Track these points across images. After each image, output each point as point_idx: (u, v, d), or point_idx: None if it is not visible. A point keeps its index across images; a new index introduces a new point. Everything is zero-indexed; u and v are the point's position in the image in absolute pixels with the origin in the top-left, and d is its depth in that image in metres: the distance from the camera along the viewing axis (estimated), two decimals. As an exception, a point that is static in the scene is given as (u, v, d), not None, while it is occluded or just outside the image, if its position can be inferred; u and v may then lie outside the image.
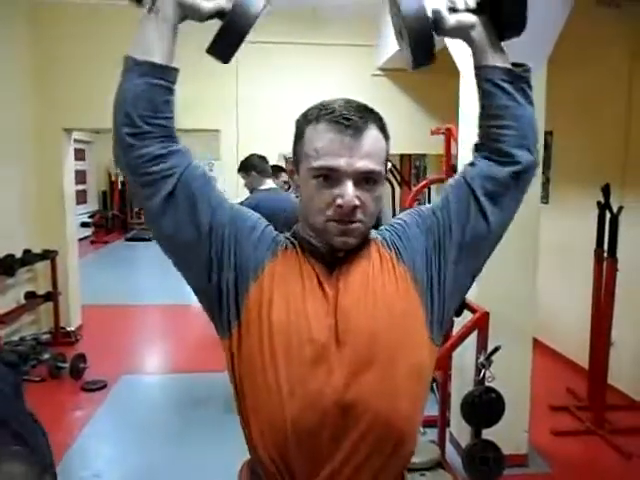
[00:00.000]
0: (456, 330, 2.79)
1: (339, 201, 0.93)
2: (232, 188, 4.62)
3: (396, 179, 6.93)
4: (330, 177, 0.94)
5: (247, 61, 4.93)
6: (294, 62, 5.31)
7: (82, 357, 4.26)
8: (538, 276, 3.06)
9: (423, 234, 1.03)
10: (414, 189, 4.50)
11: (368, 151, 0.94)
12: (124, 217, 13.55)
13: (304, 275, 0.98)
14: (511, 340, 2.84)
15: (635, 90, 3.84)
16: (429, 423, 2.95)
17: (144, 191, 0.96)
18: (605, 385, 3.50)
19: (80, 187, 11.26)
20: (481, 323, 2.66)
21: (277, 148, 5.01)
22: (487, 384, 2.51)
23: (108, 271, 9.09)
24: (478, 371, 2.54)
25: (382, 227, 1.09)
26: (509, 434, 2.81)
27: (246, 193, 3.78)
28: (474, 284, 1.08)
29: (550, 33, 2.63)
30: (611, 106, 4.07)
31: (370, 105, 1.00)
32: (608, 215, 3.45)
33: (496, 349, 2.52)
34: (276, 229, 1.07)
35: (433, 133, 4.14)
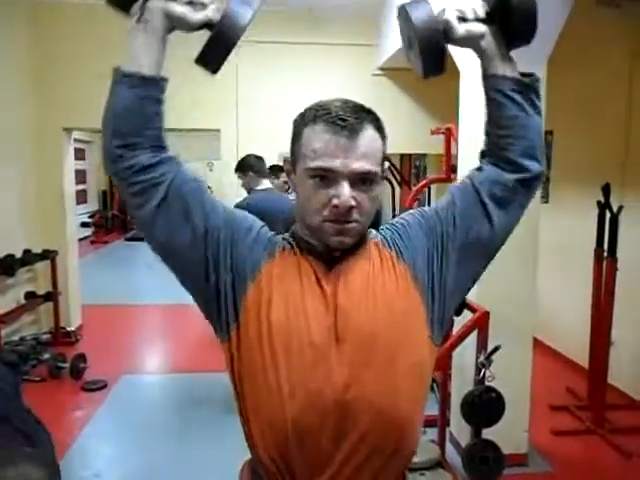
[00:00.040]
0: (456, 329, 2.79)
1: (335, 201, 0.93)
2: (232, 188, 4.63)
3: (396, 179, 6.93)
4: (326, 177, 0.94)
5: (247, 61, 4.94)
6: (294, 62, 5.31)
7: (82, 357, 4.26)
8: (538, 275, 3.06)
9: (425, 234, 1.04)
10: (414, 189, 4.49)
11: (364, 152, 0.94)
12: (124, 217, 13.53)
13: (302, 273, 0.98)
14: (511, 340, 2.84)
15: (635, 90, 3.84)
16: (429, 422, 2.95)
17: (135, 200, 0.96)
18: (605, 384, 3.50)
19: (80, 187, 11.26)
20: (481, 322, 2.66)
21: (277, 148, 5.02)
22: (487, 384, 2.51)
23: (108, 271, 9.09)
24: (478, 371, 2.54)
25: (383, 226, 1.09)
26: (509, 434, 2.81)
27: (245, 193, 3.79)
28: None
29: (550, 33, 2.63)
30: (611, 106, 4.07)
31: (370, 105, 1.00)
32: (608, 214, 3.45)
33: (496, 349, 2.52)
34: (274, 229, 1.07)
35: (433, 133, 4.14)
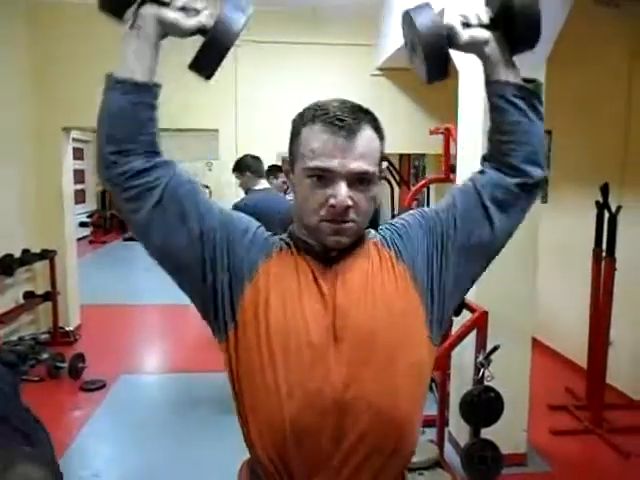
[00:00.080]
0: (455, 329, 2.79)
1: (332, 201, 0.94)
2: (231, 188, 4.63)
3: (395, 179, 6.93)
4: (324, 177, 0.95)
5: (246, 61, 4.95)
6: (293, 62, 5.31)
7: (81, 357, 4.26)
8: (537, 275, 3.06)
9: (425, 234, 1.04)
10: (413, 189, 4.50)
11: (361, 152, 0.94)
12: (123, 217, 13.52)
13: (300, 273, 0.98)
14: (510, 339, 2.84)
15: (634, 89, 3.84)
16: (428, 422, 2.95)
17: (129, 205, 0.96)
18: (603, 384, 3.51)
19: (79, 187, 11.24)
20: (480, 322, 2.66)
21: (275, 148, 5.02)
22: (486, 383, 2.52)
23: (107, 271, 9.09)
24: (477, 370, 2.55)
25: (382, 226, 1.09)
26: (508, 433, 2.81)
27: (243, 193, 3.79)
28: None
29: (549, 32, 2.63)
30: (610, 105, 4.07)
31: (369, 105, 1.01)
32: (607, 214, 3.45)
33: (495, 348, 2.52)
34: (271, 230, 1.07)
35: (432, 133, 4.14)
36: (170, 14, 0.96)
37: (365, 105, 1.00)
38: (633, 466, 3.07)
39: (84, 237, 11.83)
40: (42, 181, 5.04)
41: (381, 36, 5.05)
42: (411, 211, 1.11)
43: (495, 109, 1.05)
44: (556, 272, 4.53)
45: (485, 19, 1.03)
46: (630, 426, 3.47)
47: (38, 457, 0.73)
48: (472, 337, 2.70)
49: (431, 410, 2.90)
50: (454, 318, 2.86)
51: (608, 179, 3.49)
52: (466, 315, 2.75)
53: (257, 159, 3.75)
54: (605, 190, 3.42)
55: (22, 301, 4.80)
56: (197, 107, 4.89)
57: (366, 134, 0.96)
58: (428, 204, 7.33)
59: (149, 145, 0.96)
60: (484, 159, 1.09)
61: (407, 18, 1.04)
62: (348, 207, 0.94)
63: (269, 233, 1.06)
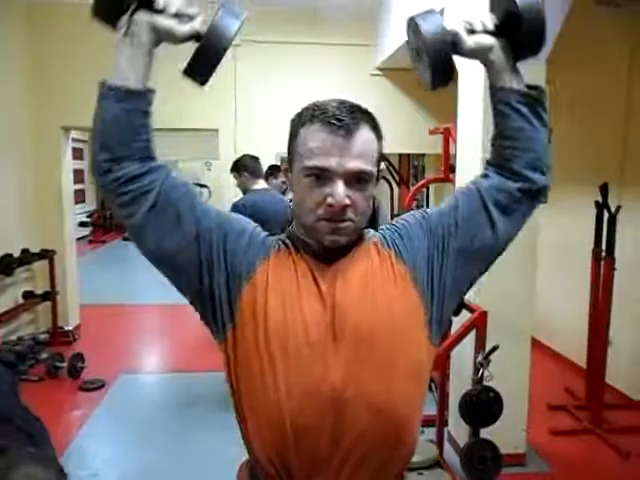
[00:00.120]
0: (454, 329, 2.79)
1: (329, 200, 0.94)
2: (230, 187, 4.62)
3: (394, 179, 6.93)
4: (322, 176, 0.95)
5: (246, 60, 4.94)
6: (292, 62, 5.30)
7: (80, 356, 4.25)
8: (536, 275, 3.06)
9: (426, 235, 1.04)
10: (412, 189, 4.50)
11: (359, 151, 0.95)
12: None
13: (298, 272, 0.99)
14: (509, 339, 2.84)
15: (634, 89, 3.84)
16: (427, 422, 2.95)
17: (124, 210, 0.96)
18: (603, 384, 3.51)
19: (78, 186, 11.22)
20: (479, 322, 2.66)
21: (275, 148, 5.01)
22: (485, 383, 2.52)
23: (106, 271, 9.08)
24: (476, 370, 2.55)
25: (383, 226, 1.10)
26: (507, 433, 2.81)
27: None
28: (472, 284, 1.09)
29: (549, 32, 2.63)
30: (610, 105, 4.07)
31: (368, 105, 1.01)
32: (606, 214, 3.45)
33: (494, 348, 2.52)
34: (269, 230, 1.07)
35: (431, 133, 4.14)
36: (164, 21, 0.96)
37: (364, 105, 1.01)
38: (633, 466, 3.07)
39: (84, 237, 11.82)
40: (41, 181, 5.03)
41: (380, 36, 5.04)
42: (411, 212, 1.11)
43: (499, 115, 1.06)
44: (556, 272, 4.53)
45: (490, 25, 1.03)
46: (629, 426, 3.47)
47: (42, 457, 0.72)
48: (471, 337, 2.70)
49: (430, 410, 2.90)
50: (453, 318, 2.86)
51: (607, 179, 3.49)
52: (465, 315, 2.75)
53: (255, 159, 3.75)
54: (604, 190, 3.42)
55: (21, 301, 4.79)
56: (197, 107, 4.88)
57: (364, 134, 0.96)
58: (427, 204, 7.32)
59: (143, 151, 0.96)
60: (487, 164, 1.09)
61: (412, 24, 1.03)
62: (346, 206, 0.94)
63: (267, 233, 1.06)
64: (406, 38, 1.11)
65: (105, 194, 0.98)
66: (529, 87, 1.04)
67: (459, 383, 3.02)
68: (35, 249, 4.84)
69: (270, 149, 4.94)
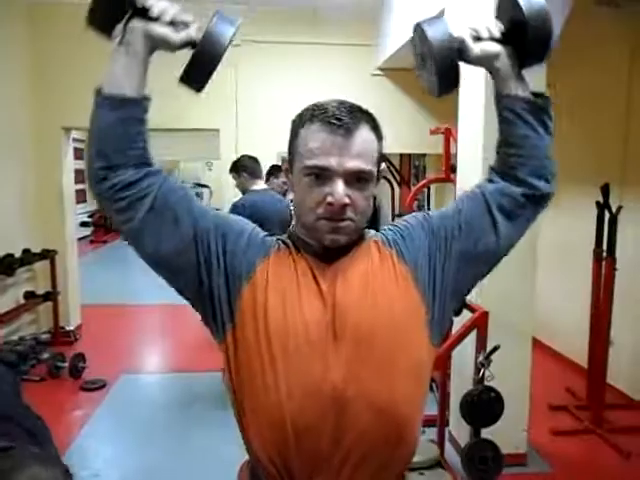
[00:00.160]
0: (455, 329, 2.79)
1: (329, 199, 0.94)
2: (230, 187, 4.62)
3: (395, 179, 6.93)
4: (322, 176, 0.95)
5: (247, 60, 4.94)
6: (293, 62, 5.30)
7: (81, 356, 4.26)
8: (537, 275, 3.06)
9: (427, 236, 1.04)
10: (413, 189, 4.50)
11: (359, 151, 0.95)
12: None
13: (299, 272, 0.99)
14: (510, 339, 2.84)
15: (634, 89, 3.83)
16: (428, 422, 2.94)
17: (121, 216, 0.96)
18: (604, 384, 3.50)
19: (79, 186, 11.19)
20: (480, 322, 2.66)
21: (276, 147, 5.02)
22: (486, 383, 2.52)
23: (107, 271, 9.08)
24: (477, 370, 2.55)
25: (385, 227, 1.10)
26: (508, 433, 2.81)
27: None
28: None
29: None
30: (610, 105, 4.06)
31: (369, 105, 1.01)
32: (607, 215, 3.45)
33: (495, 348, 2.52)
34: (269, 230, 1.08)
35: (432, 133, 4.14)
36: (159, 29, 0.96)
37: (365, 105, 1.01)
38: (633, 466, 3.07)
39: (85, 237, 11.82)
40: (42, 181, 5.03)
41: (381, 36, 5.05)
42: (414, 213, 1.12)
43: (504, 122, 1.06)
44: (556, 272, 4.53)
45: (496, 33, 1.03)
46: (630, 426, 3.47)
47: (46, 457, 0.72)
48: (472, 337, 2.70)
49: (431, 410, 2.89)
50: (454, 318, 2.86)
51: (608, 179, 3.49)
52: (466, 315, 2.75)
53: (254, 160, 3.75)
54: (606, 190, 3.42)
55: (23, 301, 4.80)
56: (197, 107, 4.89)
57: (364, 133, 0.96)
58: (428, 204, 7.33)
59: (139, 158, 0.96)
60: (492, 170, 1.09)
61: (419, 30, 1.03)
62: (345, 205, 0.95)
63: (266, 233, 1.06)
64: (407, 38, 1.11)
65: (100, 202, 0.97)
66: (535, 95, 1.04)
67: (460, 383, 3.02)
68: (36, 249, 4.84)
69: (271, 149, 4.95)
